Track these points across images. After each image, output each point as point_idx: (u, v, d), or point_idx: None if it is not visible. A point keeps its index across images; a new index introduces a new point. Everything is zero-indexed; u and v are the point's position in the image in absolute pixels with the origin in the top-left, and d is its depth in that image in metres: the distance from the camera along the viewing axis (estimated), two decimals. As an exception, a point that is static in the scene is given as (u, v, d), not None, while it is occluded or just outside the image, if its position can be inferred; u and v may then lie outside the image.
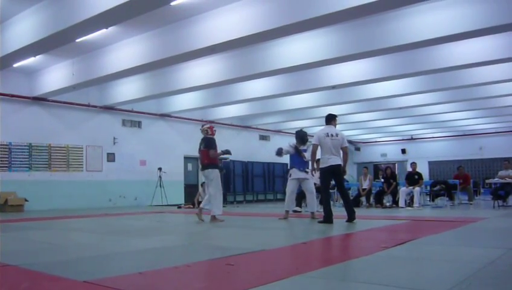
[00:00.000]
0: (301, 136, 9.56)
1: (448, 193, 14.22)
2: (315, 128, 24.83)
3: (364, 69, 12.77)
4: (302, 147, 9.43)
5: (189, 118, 19.55)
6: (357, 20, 9.86)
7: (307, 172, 9.35)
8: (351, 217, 8.24)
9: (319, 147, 8.41)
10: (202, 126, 9.51)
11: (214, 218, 8.86)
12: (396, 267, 4.07)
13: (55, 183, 15.10)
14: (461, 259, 4.47)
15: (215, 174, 8.91)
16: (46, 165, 15.06)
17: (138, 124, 17.97)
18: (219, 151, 9.07)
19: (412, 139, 29.30)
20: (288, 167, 10.09)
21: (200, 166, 9.52)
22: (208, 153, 8.90)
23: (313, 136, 8.82)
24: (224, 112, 19.56)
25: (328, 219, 8.19)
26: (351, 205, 8.55)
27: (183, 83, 13.84)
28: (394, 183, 14.41)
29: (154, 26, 10.64)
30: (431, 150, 28.41)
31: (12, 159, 14.26)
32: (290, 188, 9.55)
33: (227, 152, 9.19)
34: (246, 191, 21.65)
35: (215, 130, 9.35)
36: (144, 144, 17.92)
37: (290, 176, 9.55)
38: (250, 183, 21.68)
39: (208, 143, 8.99)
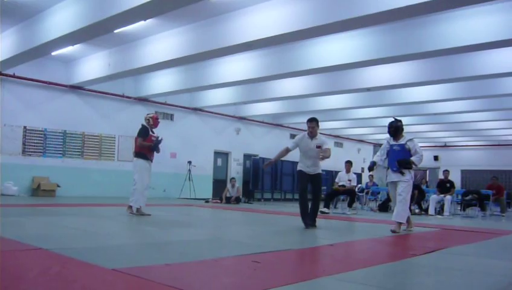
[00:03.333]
0: (393, 125, 7.95)
1: (480, 203, 13.92)
2: (347, 130, 24.83)
3: (401, 72, 12.59)
4: (398, 142, 7.74)
5: (221, 113, 19.66)
6: (396, 23, 9.74)
7: (402, 173, 7.49)
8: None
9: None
10: (147, 114, 9.07)
11: (130, 208, 8.61)
12: (424, 276, 4.01)
13: (87, 171, 15.35)
14: (491, 272, 4.37)
15: (138, 164, 8.58)
16: (79, 153, 15.32)
17: (170, 117, 18.12)
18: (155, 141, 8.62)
19: (445, 146, 28.83)
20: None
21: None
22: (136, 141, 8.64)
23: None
24: (256, 109, 19.60)
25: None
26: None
27: (217, 78, 13.89)
28: (416, 192, 13.84)
29: (192, 20, 10.69)
30: (464, 158, 27.89)
31: (47, 145, 14.54)
32: (391, 194, 8.19)
33: (155, 147, 8.61)
34: (274, 189, 21.60)
35: (158, 122, 8.93)
36: (175, 136, 18.04)
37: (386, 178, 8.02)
38: (278, 181, 21.60)
39: (139, 131, 8.65)
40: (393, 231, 7.29)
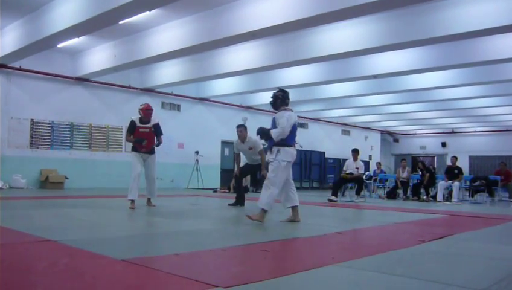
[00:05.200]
0: (272, 96, 6.71)
1: (489, 189, 13.90)
2: (354, 117, 24.76)
3: (407, 59, 12.50)
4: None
5: (227, 103, 19.65)
6: (401, 9, 9.65)
7: (271, 151, 6.46)
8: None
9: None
10: (140, 105, 8.87)
11: (149, 201, 8.93)
12: (433, 262, 4.00)
13: (94, 163, 15.40)
14: (500, 257, 4.36)
15: (130, 156, 8.83)
16: (87, 145, 15.37)
17: (177, 107, 18.12)
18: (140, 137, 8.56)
19: (453, 132, 28.68)
20: None
21: None
22: None
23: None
24: (263, 98, 19.47)
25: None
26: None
27: (223, 67, 13.85)
28: (427, 175, 14.10)
29: (196, 10, 10.65)
30: (472, 144, 27.75)
31: (54, 138, 14.59)
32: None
33: (137, 142, 8.50)
34: (281, 178, 21.60)
35: (149, 112, 8.59)
36: (182, 127, 18.05)
37: None
38: (286, 170, 21.54)
39: (128, 127, 8.79)
40: (250, 218, 6.29)
